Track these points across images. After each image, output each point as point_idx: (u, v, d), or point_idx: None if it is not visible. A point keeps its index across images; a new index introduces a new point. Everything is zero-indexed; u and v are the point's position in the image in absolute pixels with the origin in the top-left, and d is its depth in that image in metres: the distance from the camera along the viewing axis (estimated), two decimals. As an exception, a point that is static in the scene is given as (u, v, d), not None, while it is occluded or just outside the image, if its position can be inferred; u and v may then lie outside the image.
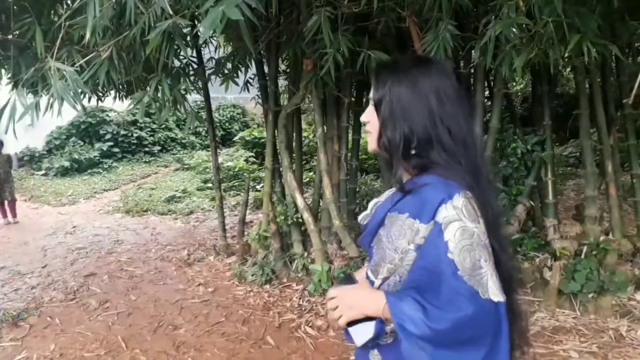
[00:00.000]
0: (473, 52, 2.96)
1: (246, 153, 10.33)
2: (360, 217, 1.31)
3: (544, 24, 2.36)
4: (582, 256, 3.63)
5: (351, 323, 1.14)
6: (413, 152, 1.11)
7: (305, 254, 4.33)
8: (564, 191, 5.89)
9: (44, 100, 2.46)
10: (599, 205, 3.84)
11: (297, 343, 3.24)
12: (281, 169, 4.41)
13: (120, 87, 4.12)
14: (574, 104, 3.88)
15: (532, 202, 4.09)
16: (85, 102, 3.74)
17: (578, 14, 2.46)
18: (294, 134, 4.47)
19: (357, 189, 5.35)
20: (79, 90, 2.30)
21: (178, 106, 3.37)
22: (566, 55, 2.64)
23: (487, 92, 4.35)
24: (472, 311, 1.00)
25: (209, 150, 10.05)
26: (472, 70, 3.98)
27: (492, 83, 4.25)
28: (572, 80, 5.12)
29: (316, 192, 4.52)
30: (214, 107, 11.60)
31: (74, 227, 7.05)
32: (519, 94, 6.48)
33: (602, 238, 3.73)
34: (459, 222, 1.03)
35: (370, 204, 1.30)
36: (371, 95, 1.18)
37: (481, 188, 1.10)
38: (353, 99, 4.42)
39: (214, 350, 3.18)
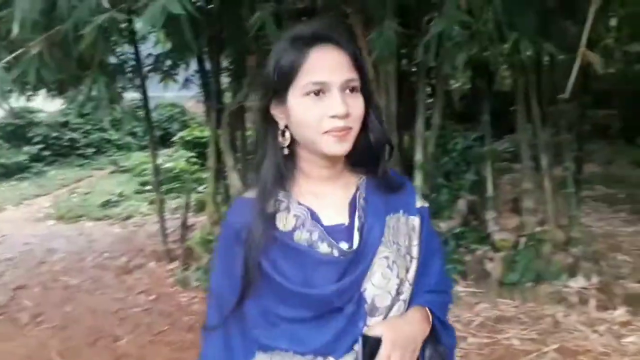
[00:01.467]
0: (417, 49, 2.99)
1: (186, 153, 10.03)
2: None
3: (485, 22, 2.43)
4: (521, 247, 3.79)
5: None
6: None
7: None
8: (500, 185, 6.14)
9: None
10: (534, 198, 4.02)
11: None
12: (225, 169, 4.31)
13: (52, 85, 3.87)
14: (510, 101, 4.04)
15: (473, 196, 4.22)
16: (12, 101, 3.48)
17: (517, 13, 2.55)
18: (239, 133, 4.38)
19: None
20: (8, 89, 2.13)
21: (114, 105, 3.20)
22: (505, 52, 2.74)
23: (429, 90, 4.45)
24: None
25: (146, 152, 9.68)
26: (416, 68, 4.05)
27: (434, 80, 4.35)
28: (508, 78, 5.35)
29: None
30: (151, 106, 11.17)
31: (2, 236, 6.56)
32: (458, 90, 6.72)
33: (538, 229, 3.90)
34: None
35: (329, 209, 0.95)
36: (341, 79, 0.86)
37: None
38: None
39: (158, 360, 3.05)
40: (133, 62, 3.99)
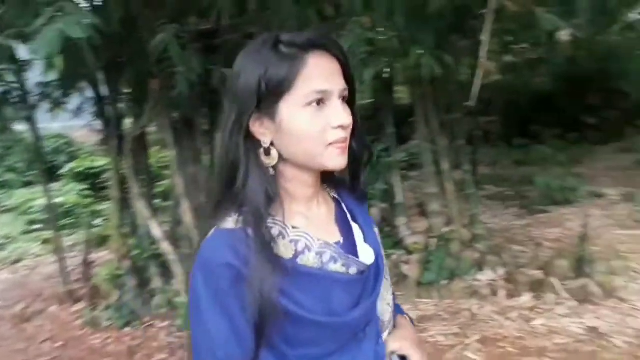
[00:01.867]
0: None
1: (77, 186, 9.32)
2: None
3: (389, 38, 2.57)
4: (432, 248, 4.00)
5: None
6: None
7: (168, 288, 4.04)
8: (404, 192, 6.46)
9: None
10: (438, 201, 4.28)
11: (174, 384, 3.00)
12: (130, 198, 4.07)
13: None
14: (402, 114, 4.30)
15: (384, 204, 4.39)
16: None
17: (417, 30, 2.72)
18: (143, 159, 4.17)
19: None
20: None
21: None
22: (407, 67, 2.90)
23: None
24: None
25: (31, 188, 8.86)
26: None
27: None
28: (404, 91, 5.68)
29: (174, 219, 4.26)
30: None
31: None
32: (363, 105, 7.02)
33: (445, 230, 4.15)
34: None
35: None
36: (339, 87, 0.83)
37: None
38: (207, 118, 4.29)
39: (76, 413, 2.78)
40: (19, 92, 3.64)
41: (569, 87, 7.76)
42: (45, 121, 5.06)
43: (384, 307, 0.91)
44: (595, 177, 6.67)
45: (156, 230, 3.81)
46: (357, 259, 0.87)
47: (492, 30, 2.07)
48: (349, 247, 0.89)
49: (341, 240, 0.89)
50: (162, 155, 6.70)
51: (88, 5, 2.87)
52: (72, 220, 7.79)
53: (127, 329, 3.78)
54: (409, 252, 4.03)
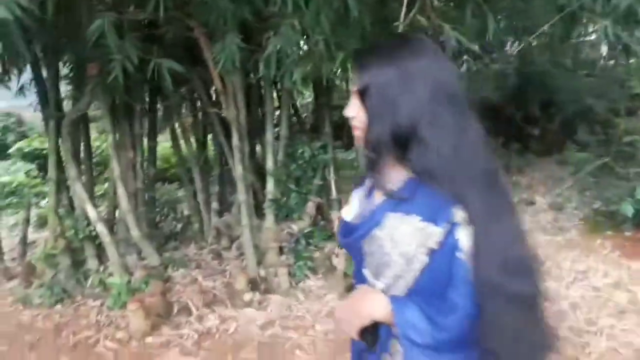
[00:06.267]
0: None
1: (25, 166, 9.16)
2: (344, 212, 1.16)
3: (316, 42, 2.73)
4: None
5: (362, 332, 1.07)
6: (405, 151, 0.98)
7: (102, 269, 4.11)
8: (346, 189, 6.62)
9: None
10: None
11: (97, 359, 3.09)
12: (68, 180, 4.11)
13: None
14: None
15: (320, 199, 4.57)
16: None
17: (342, 35, 2.89)
18: (82, 143, 4.21)
19: (158, 198, 5.27)
20: None
21: None
22: (337, 69, 3.08)
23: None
24: (476, 314, 0.95)
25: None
26: (261, 82, 4.28)
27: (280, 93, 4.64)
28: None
29: (111, 204, 4.33)
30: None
31: None
32: (307, 105, 7.16)
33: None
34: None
35: (354, 199, 1.15)
36: (352, 85, 1.00)
37: (479, 216, 0.94)
38: (146, 105, 4.36)
39: (-5, 384, 2.85)
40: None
41: (514, 98, 8.09)
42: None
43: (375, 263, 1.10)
44: (531, 186, 7.04)
45: (92, 212, 3.87)
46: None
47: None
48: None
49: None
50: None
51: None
52: (17, 200, 7.68)
53: (57, 307, 3.82)
54: (340, 246, 4.22)
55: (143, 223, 4.19)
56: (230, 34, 2.98)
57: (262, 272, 3.86)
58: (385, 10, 3.04)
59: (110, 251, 3.92)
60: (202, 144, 5.05)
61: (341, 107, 1.20)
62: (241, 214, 3.87)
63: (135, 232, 3.87)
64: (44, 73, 3.90)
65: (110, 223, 4.25)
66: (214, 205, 4.56)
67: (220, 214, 4.55)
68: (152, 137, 4.38)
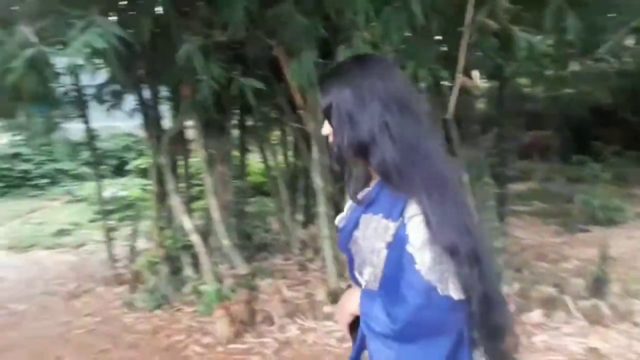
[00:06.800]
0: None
1: (142, 181, 10.07)
2: (336, 220, 1.28)
3: (385, 53, 2.71)
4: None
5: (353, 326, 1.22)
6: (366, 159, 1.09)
7: (197, 277, 4.37)
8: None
9: None
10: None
11: (184, 362, 3.29)
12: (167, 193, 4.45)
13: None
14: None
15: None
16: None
17: (417, 45, 2.85)
18: (180, 158, 4.54)
19: (250, 210, 5.52)
20: None
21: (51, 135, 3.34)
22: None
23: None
24: (422, 305, 1.01)
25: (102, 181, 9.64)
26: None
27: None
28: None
29: (206, 215, 4.60)
30: (108, 135, 11.21)
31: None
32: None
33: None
34: (420, 216, 1.02)
35: (346, 206, 1.27)
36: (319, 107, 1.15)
37: (439, 215, 1.01)
38: (236, 122, 4.61)
39: (98, 377, 3.14)
40: (74, 93, 4.11)
41: (629, 100, 7.36)
42: (119, 120, 5.60)
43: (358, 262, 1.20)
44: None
45: (187, 223, 4.15)
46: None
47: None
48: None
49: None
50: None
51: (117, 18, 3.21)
52: (133, 213, 8.45)
53: (157, 312, 4.13)
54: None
55: (233, 233, 4.40)
56: (306, 50, 3.06)
57: (343, 284, 3.85)
58: (457, 19, 2.95)
59: (203, 260, 4.16)
60: (288, 158, 5.20)
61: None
62: (321, 225, 3.92)
63: (225, 242, 4.08)
64: (146, 95, 4.30)
65: (205, 233, 4.51)
66: (299, 217, 4.66)
67: (304, 225, 4.64)
68: (243, 151, 4.60)
